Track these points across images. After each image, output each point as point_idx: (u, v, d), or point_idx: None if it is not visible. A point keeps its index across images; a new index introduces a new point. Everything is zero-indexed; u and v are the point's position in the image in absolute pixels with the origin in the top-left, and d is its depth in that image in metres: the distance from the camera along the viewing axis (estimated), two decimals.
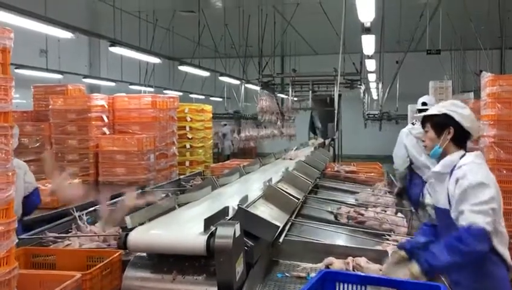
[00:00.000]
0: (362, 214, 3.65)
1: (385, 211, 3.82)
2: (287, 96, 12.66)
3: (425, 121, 2.47)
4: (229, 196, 3.13)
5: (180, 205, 2.77)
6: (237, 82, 14.84)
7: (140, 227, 2.27)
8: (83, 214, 3.36)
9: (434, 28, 11.05)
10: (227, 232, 2.03)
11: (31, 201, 3.40)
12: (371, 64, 11.18)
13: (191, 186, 5.12)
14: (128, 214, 2.30)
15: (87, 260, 2.47)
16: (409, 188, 4.87)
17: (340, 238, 3.10)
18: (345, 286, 1.92)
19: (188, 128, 8.58)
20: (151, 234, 2.23)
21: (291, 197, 3.28)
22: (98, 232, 3.09)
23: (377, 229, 3.34)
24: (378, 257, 2.59)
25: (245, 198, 2.68)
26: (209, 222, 2.14)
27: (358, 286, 1.90)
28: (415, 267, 2.15)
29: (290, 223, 3.15)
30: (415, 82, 12.93)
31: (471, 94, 9.70)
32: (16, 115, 6.60)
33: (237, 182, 3.96)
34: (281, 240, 2.79)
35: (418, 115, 2.59)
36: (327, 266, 2.51)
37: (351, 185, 5.21)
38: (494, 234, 2.17)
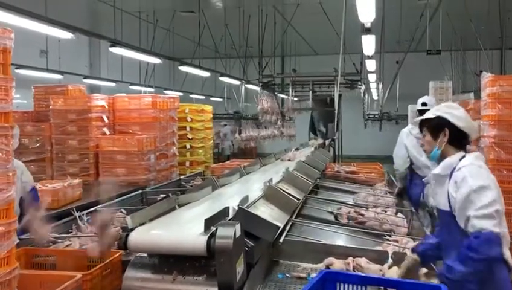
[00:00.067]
0: (362, 215, 3.65)
1: (385, 212, 3.82)
2: (287, 97, 12.65)
3: (422, 125, 2.48)
4: (230, 196, 3.13)
5: (180, 206, 2.77)
6: (237, 82, 14.83)
7: (141, 227, 2.27)
8: (83, 215, 3.36)
9: (434, 28, 11.04)
10: (227, 233, 2.03)
11: (29, 201, 3.39)
12: (371, 65, 11.19)
13: (192, 186, 5.12)
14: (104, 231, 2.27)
15: (87, 261, 2.47)
16: (409, 188, 4.87)
17: (341, 239, 3.10)
18: (346, 286, 1.92)
19: (188, 129, 8.59)
20: (152, 235, 2.23)
21: (291, 197, 3.28)
22: None
23: (377, 229, 3.34)
24: (379, 257, 2.60)
25: (245, 198, 2.68)
26: (210, 222, 2.15)
27: (359, 287, 1.91)
28: (434, 282, 2.16)
29: (290, 223, 3.15)
30: (415, 82, 12.93)
31: (472, 94, 9.68)
32: (16, 115, 6.60)
33: (237, 183, 3.97)
34: (281, 240, 2.79)
35: (415, 120, 2.61)
36: (327, 267, 2.51)
37: (351, 186, 5.21)
38: None
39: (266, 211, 2.85)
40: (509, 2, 12.08)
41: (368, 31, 6.89)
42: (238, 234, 2.09)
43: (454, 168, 2.29)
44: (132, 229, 2.22)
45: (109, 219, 2.44)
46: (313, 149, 6.94)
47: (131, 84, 15.22)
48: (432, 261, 2.47)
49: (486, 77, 4.84)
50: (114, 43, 7.64)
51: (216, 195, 3.30)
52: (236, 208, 2.45)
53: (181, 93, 15.58)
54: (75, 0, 12.66)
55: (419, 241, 2.69)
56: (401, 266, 2.42)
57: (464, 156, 2.33)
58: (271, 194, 3.10)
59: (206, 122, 9.22)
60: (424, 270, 2.37)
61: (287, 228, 3.04)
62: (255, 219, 2.49)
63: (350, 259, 2.56)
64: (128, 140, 6.44)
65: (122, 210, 3.73)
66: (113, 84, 14.25)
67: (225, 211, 2.40)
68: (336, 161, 9.30)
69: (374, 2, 5.17)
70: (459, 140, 2.37)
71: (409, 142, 4.91)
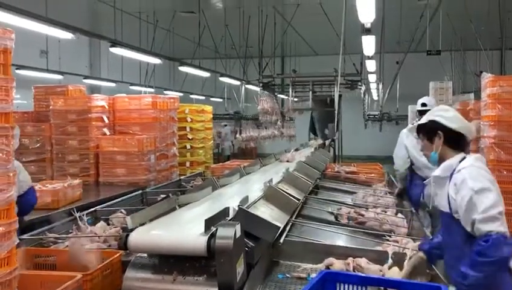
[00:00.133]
0: (362, 215, 3.65)
1: (385, 212, 3.82)
2: (287, 97, 12.66)
3: (419, 131, 2.52)
4: (230, 197, 3.13)
5: (180, 206, 2.77)
6: (237, 83, 14.84)
7: (141, 228, 2.28)
8: (83, 215, 3.36)
9: (434, 28, 11.05)
10: (227, 233, 2.03)
11: (26, 200, 3.36)
12: (371, 65, 11.19)
13: (192, 186, 5.12)
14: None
15: None
16: (409, 188, 4.87)
17: (341, 239, 3.10)
18: (346, 286, 1.92)
19: (188, 129, 8.59)
20: (152, 235, 2.23)
21: (291, 197, 3.28)
22: (99, 233, 3.09)
23: (377, 229, 3.34)
24: (379, 257, 2.60)
25: (245, 199, 2.68)
26: (210, 222, 2.15)
27: (359, 287, 1.91)
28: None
29: (290, 223, 3.15)
30: (415, 83, 12.94)
31: (472, 95, 9.71)
32: (16, 115, 6.60)
33: (237, 183, 3.97)
34: (281, 240, 2.79)
35: (412, 125, 2.65)
36: (328, 267, 2.51)
37: (352, 186, 5.21)
38: None
39: (266, 212, 2.85)
40: (509, 3, 12.08)
41: (368, 31, 6.89)
42: (238, 234, 2.09)
43: (454, 170, 2.29)
44: (132, 230, 2.22)
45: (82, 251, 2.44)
46: (313, 149, 6.95)
47: (132, 84, 15.22)
48: (437, 259, 2.50)
49: (487, 78, 4.85)
50: (114, 44, 7.65)
51: (216, 195, 3.31)
52: (237, 209, 2.45)
53: (181, 94, 15.59)
54: (75, 0, 12.67)
55: (425, 240, 2.70)
56: (407, 264, 2.43)
57: (464, 158, 2.33)
58: (271, 195, 3.10)
59: (206, 122, 9.23)
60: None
61: (287, 228, 3.04)
62: (255, 219, 2.49)
63: (350, 259, 2.56)
64: (129, 140, 6.45)
65: (122, 210, 3.73)
66: (113, 84, 14.25)
67: (225, 211, 2.41)
68: (336, 161, 9.30)
69: (374, 2, 5.17)
70: (456, 141, 2.38)
71: (409, 142, 4.91)
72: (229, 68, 15.86)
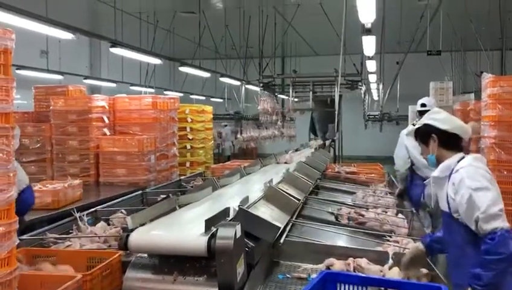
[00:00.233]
0: (363, 215, 3.65)
1: (386, 212, 3.82)
2: (287, 97, 12.66)
3: (416, 136, 2.57)
4: (230, 197, 3.13)
5: (180, 206, 2.77)
6: (238, 83, 14.83)
7: (141, 228, 2.27)
8: (83, 215, 3.36)
9: (434, 28, 11.04)
10: (228, 233, 2.03)
11: (23, 199, 3.35)
12: (371, 65, 11.18)
13: (192, 187, 5.12)
14: None
15: (87, 261, 2.47)
16: (409, 189, 4.87)
17: (341, 239, 3.09)
18: (346, 287, 1.92)
19: (188, 129, 8.60)
20: (152, 235, 2.23)
21: (291, 198, 3.28)
22: (99, 233, 3.09)
23: (378, 230, 3.34)
24: (379, 257, 2.59)
25: (246, 199, 2.68)
26: (210, 222, 2.15)
27: (359, 287, 1.91)
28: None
29: (290, 224, 3.15)
30: (415, 83, 12.94)
31: (472, 95, 9.71)
32: (17, 115, 6.60)
33: (238, 183, 3.97)
34: (281, 241, 2.79)
35: (410, 131, 2.69)
36: (328, 267, 2.51)
37: (352, 186, 5.21)
38: None
39: (266, 212, 2.85)
40: (509, 3, 12.07)
41: (368, 31, 6.89)
42: (239, 234, 2.09)
43: (453, 170, 2.30)
44: (132, 230, 2.22)
45: None
46: (313, 150, 6.94)
47: (132, 84, 15.23)
48: (437, 253, 2.56)
49: (487, 78, 4.85)
50: (114, 44, 7.65)
51: (216, 196, 3.31)
52: (237, 209, 2.44)
53: (181, 94, 15.59)
54: (76, 0, 12.67)
55: (427, 233, 2.72)
56: (406, 253, 2.46)
57: (462, 158, 2.34)
58: (271, 195, 3.10)
59: (206, 122, 9.23)
60: (424, 270, 2.37)
61: (288, 228, 3.04)
62: (256, 219, 2.49)
63: (350, 260, 2.55)
64: (129, 141, 6.45)
65: (123, 211, 3.73)
66: (113, 84, 14.25)
67: (225, 211, 2.40)
68: (336, 161, 9.30)
69: (374, 2, 5.17)
70: (450, 142, 2.40)
71: (409, 142, 4.90)
72: (229, 68, 15.86)
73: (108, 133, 6.78)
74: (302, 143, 8.76)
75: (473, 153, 2.46)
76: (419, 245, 2.49)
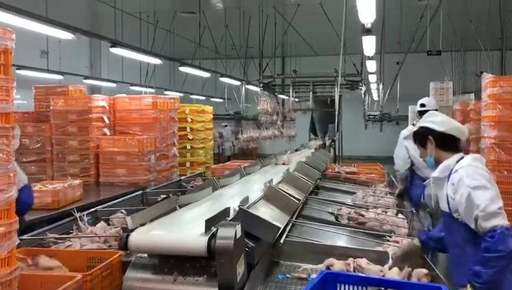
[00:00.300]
0: (363, 215, 3.65)
1: (386, 212, 3.82)
2: (287, 98, 12.67)
3: (414, 139, 2.60)
4: (230, 197, 3.13)
5: (181, 206, 2.77)
6: (238, 83, 14.84)
7: (141, 228, 2.27)
8: (83, 215, 3.36)
9: (434, 29, 11.05)
10: (228, 233, 2.03)
11: (21, 199, 3.35)
12: (371, 65, 11.19)
13: (192, 187, 5.12)
14: None
15: (87, 261, 2.46)
16: (409, 189, 4.87)
17: (341, 239, 3.10)
18: (346, 287, 1.92)
19: (188, 129, 8.59)
20: (152, 235, 2.23)
21: (292, 198, 3.28)
22: (99, 233, 3.09)
23: (378, 230, 3.34)
24: (379, 258, 2.59)
25: (246, 199, 2.68)
26: (210, 222, 2.15)
27: (359, 287, 1.91)
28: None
29: (290, 224, 3.15)
30: (415, 83, 12.94)
31: (472, 95, 9.70)
32: (17, 115, 6.60)
33: (238, 183, 3.97)
34: (281, 241, 2.79)
35: (408, 133, 2.73)
36: (328, 267, 2.51)
37: (352, 186, 5.21)
38: None
39: (267, 212, 2.85)
40: (509, 3, 12.07)
41: (368, 31, 6.89)
42: (239, 234, 2.09)
43: (452, 170, 2.31)
44: (133, 230, 2.22)
45: None
46: (313, 150, 6.94)
47: (132, 84, 15.23)
48: (430, 250, 2.59)
49: (487, 78, 4.85)
50: (114, 44, 7.65)
51: (216, 196, 3.30)
52: (237, 209, 2.45)
53: (181, 94, 15.59)
54: (76, 0, 12.67)
55: (424, 230, 2.76)
56: (400, 247, 2.50)
57: (462, 158, 2.35)
58: (271, 195, 3.10)
59: (206, 122, 9.23)
60: (424, 271, 2.37)
61: (288, 228, 3.04)
62: (256, 219, 2.49)
63: (350, 260, 2.55)
64: (129, 141, 6.45)
65: (123, 211, 3.73)
66: (113, 84, 14.26)
67: (226, 211, 2.40)
68: (337, 161, 9.31)
69: (374, 2, 5.17)
70: (447, 143, 2.43)
71: (409, 143, 4.91)
72: (229, 68, 15.87)
73: (108, 133, 6.78)
74: (302, 143, 8.77)
75: (473, 153, 2.46)
76: (415, 241, 2.52)
